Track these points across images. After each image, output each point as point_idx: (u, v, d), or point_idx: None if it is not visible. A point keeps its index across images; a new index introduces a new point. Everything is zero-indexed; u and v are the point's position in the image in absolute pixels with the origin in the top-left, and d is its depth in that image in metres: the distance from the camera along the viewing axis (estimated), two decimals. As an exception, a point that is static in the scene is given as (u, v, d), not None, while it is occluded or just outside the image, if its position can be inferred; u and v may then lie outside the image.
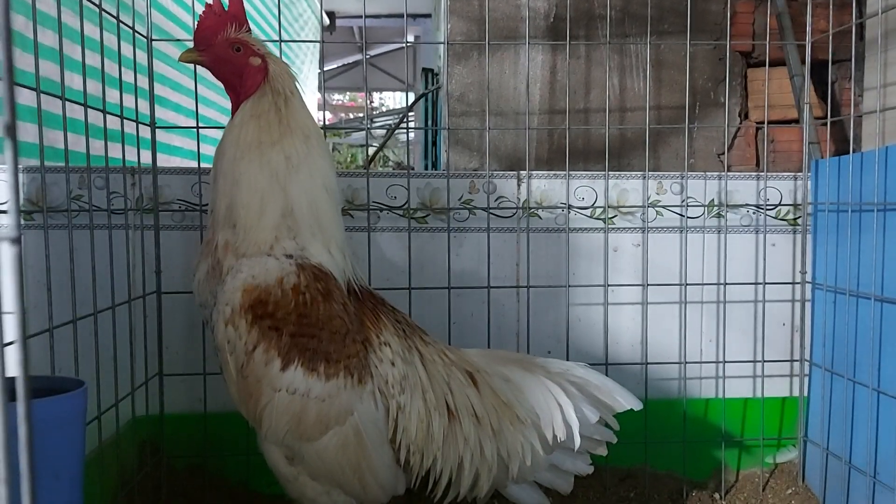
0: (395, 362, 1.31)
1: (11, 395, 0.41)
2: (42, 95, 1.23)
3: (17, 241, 0.32)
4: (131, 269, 1.65)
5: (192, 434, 1.77)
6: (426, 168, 3.80)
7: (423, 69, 4.03)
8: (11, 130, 0.33)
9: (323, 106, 5.43)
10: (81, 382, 1.04)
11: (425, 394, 1.33)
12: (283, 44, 1.72)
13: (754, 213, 1.88)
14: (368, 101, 7.40)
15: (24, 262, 1.44)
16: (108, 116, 1.48)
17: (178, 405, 1.77)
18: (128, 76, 1.62)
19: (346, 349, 1.26)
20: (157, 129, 1.73)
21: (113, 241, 1.54)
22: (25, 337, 0.37)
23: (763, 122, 1.99)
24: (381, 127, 6.56)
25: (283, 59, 1.40)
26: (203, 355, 1.73)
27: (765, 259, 1.86)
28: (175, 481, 1.75)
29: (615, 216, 1.85)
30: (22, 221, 1.53)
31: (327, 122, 7.80)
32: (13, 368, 0.42)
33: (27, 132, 1.68)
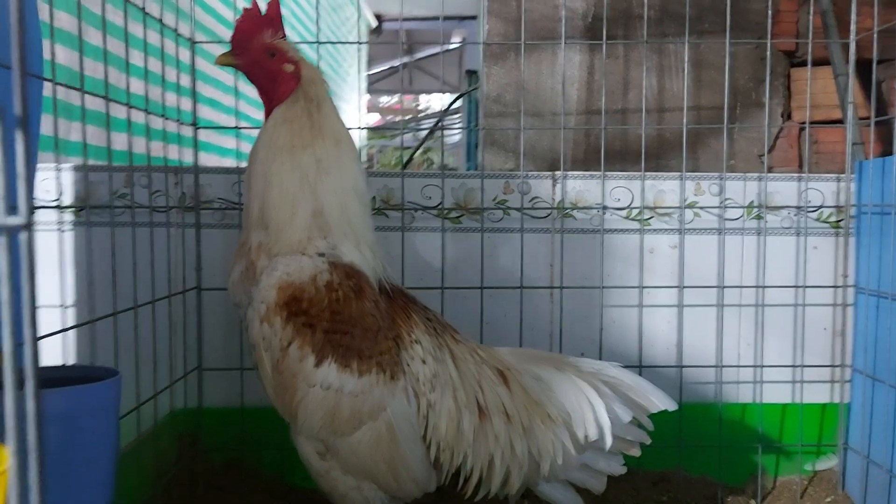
0: (426, 360, 1.33)
1: (45, 384, 0.44)
2: (85, 95, 1.27)
3: (26, 227, 0.34)
4: (172, 266, 1.70)
5: (229, 428, 1.81)
6: (469, 170, 3.81)
7: (467, 71, 4.05)
8: (23, 123, 0.35)
9: (361, 107, 5.49)
10: (116, 372, 1.08)
11: (456, 392, 1.34)
12: (328, 46, 1.75)
13: (795, 215, 1.84)
14: (415, 104, 7.43)
15: (69, 258, 1.50)
16: (152, 116, 1.53)
17: (216, 399, 1.81)
18: (174, 77, 1.67)
19: (378, 346, 1.28)
20: (204, 131, 1.78)
21: (155, 238, 1.59)
22: (35, 308, 0.39)
23: (806, 123, 1.95)
24: (423, 129, 6.60)
25: (329, 61, 1.43)
26: (240, 351, 1.78)
27: (805, 262, 1.82)
28: (211, 474, 1.80)
29: (651, 217, 1.83)
30: (69, 217, 1.59)
31: (374, 125, 7.86)
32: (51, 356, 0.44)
33: (74, 131, 1.74)
